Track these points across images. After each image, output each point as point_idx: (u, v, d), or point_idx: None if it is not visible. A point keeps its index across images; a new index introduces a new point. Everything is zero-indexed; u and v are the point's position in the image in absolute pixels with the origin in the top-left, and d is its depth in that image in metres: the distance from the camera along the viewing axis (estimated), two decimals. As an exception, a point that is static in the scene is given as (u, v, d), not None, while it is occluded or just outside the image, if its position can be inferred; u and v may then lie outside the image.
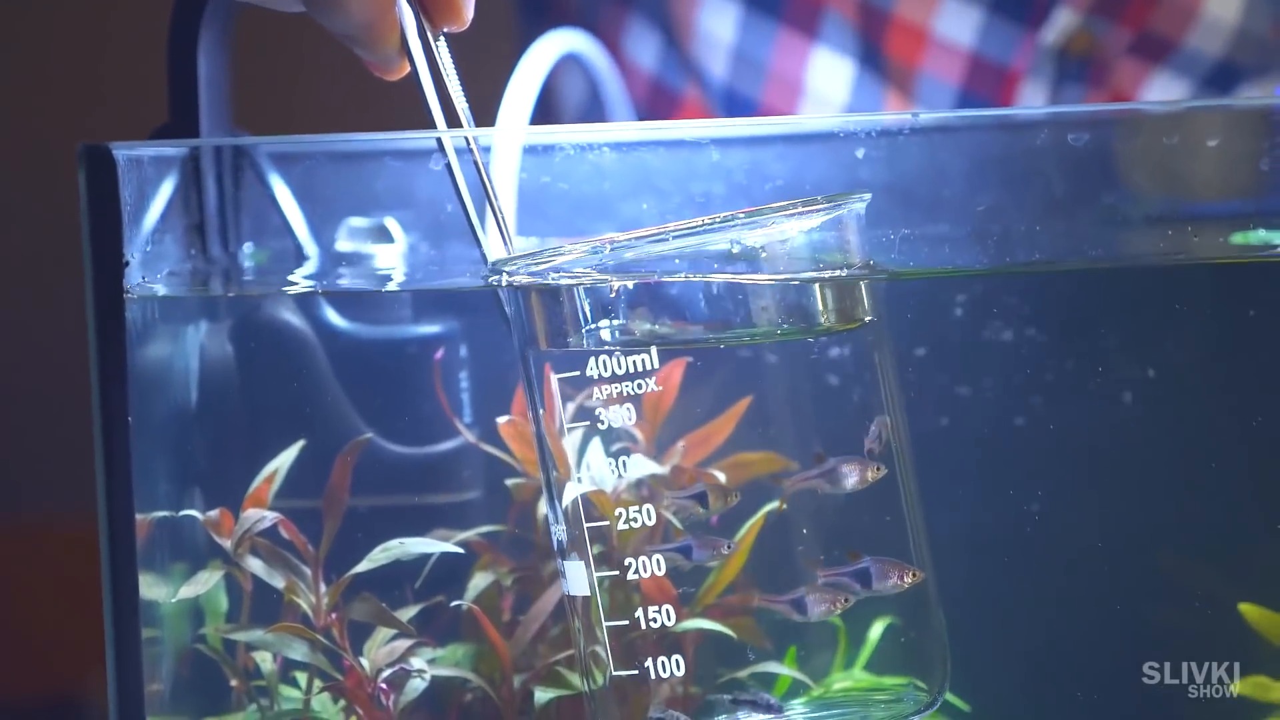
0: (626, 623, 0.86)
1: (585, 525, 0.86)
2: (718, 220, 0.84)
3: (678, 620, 0.87)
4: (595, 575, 0.86)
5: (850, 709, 0.93)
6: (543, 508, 0.97)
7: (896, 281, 1.00)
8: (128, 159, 0.86)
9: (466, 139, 0.88)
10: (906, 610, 0.90)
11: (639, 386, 0.84)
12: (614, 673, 0.86)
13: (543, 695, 0.93)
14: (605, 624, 0.86)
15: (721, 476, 0.93)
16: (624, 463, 0.88)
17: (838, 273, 0.85)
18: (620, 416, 0.86)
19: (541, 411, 0.87)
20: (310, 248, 1.03)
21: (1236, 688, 0.96)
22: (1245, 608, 0.95)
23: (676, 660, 0.87)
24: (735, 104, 1.42)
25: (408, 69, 0.87)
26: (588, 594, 0.86)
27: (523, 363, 0.88)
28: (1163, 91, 1.37)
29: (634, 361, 0.84)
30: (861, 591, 0.86)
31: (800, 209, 0.85)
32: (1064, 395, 1.02)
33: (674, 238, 0.83)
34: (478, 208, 0.89)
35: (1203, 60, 1.36)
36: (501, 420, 0.95)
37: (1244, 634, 0.96)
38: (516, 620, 0.96)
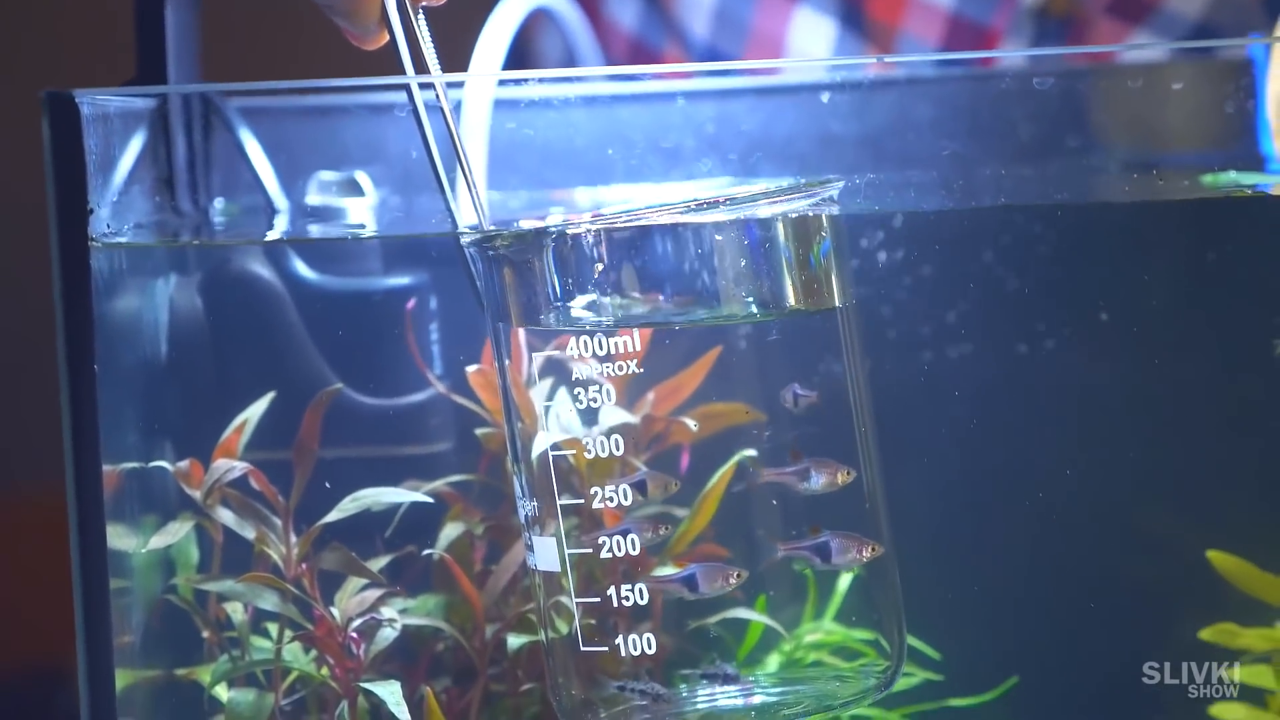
0: (598, 600, 0.86)
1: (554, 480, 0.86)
2: (700, 203, 0.84)
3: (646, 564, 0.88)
4: (565, 548, 0.86)
5: (810, 685, 0.93)
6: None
7: (868, 235, 1.01)
8: (92, 107, 0.86)
9: (435, 89, 0.88)
10: (869, 564, 0.90)
11: (619, 369, 0.85)
12: (580, 621, 0.86)
13: (516, 641, 0.93)
14: (574, 592, 0.86)
15: (692, 425, 0.93)
16: (595, 414, 0.87)
17: (798, 204, 0.85)
18: (589, 371, 0.86)
19: (511, 388, 0.87)
20: (280, 201, 1.03)
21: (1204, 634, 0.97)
22: (1214, 555, 0.96)
23: (643, 612, 0.87)
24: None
25: (386, 39, 0.87)
26: (557, 569, 0.86)
27: (494, 334, 0.88)
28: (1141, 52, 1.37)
29: (614, 344, 0.84)
30: (821, 565, 0.87)
31: (779, 197, 0.85)
32: (1033, 342, 1.02)
33: (656, 216, 0.84)
34: (447, 164, 0.89)
35: (1181, 21, 1.35)
36: (471, 369, 0.95)
37: (1212, 581, 0.96)
38: (488, 570, 0.96)
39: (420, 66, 0.87)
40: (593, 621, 0.86)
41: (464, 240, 0.87)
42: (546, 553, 0.87)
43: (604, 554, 0.86)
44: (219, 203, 1.04)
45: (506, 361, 0.88)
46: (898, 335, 1.02)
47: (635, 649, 0.86)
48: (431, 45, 0.88)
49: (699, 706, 0.89)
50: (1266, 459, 1.00)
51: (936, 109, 1.04)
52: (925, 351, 1.02)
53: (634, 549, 0.86)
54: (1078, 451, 1.01)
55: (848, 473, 0.86)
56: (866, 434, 0.88)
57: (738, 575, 0.86)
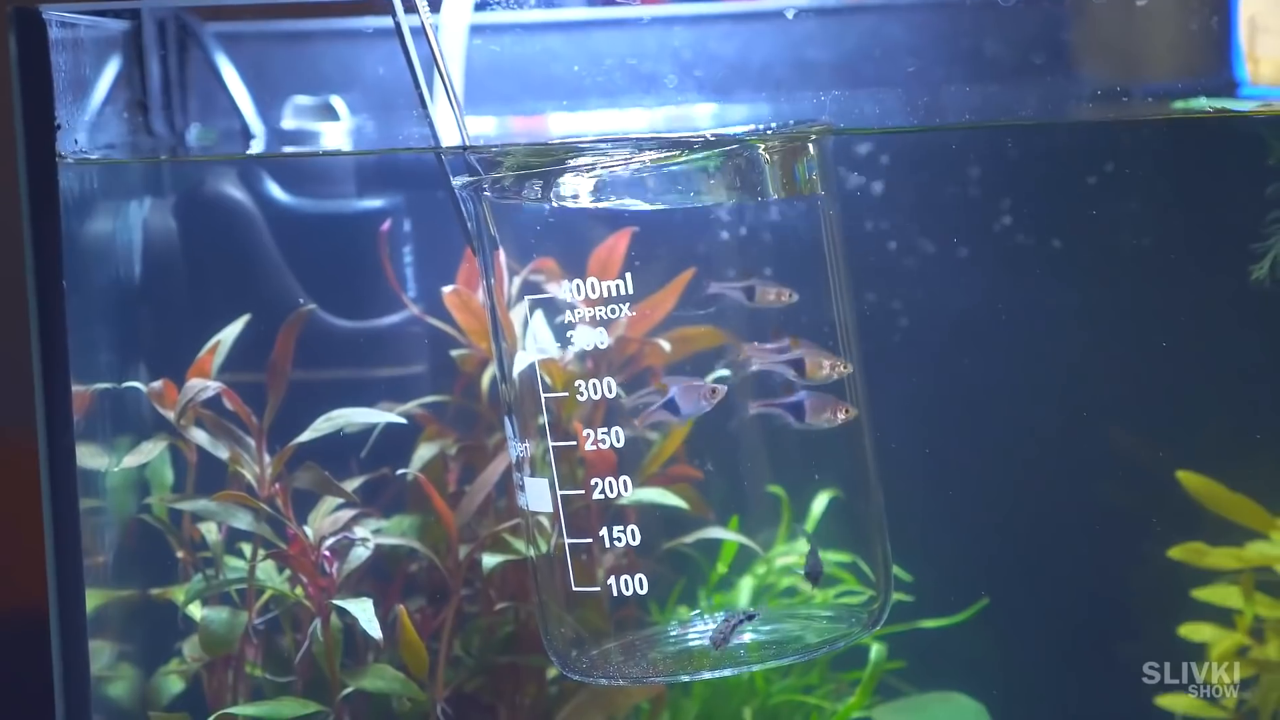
0: (580, 492, 0.86)
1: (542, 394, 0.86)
2: (694, 138, 0.85)
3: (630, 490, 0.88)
4: (558, 489, 0.86)
5: (797, 624, 0.92)
6: (487, 379, 0.98)
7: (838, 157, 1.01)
8: (62, 26, 0.86)
9: (418, 9, 0.87)
10: (848, 484, 0.90)
11: (612, 312, 0.85)
12: (567, 540, 0.86)
13: (490, 560, 0.93)
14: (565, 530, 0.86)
15: (666, 346, 0.93)
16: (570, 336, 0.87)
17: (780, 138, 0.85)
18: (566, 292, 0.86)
19: (497, 309, 0.88)
20: (256, 126, 1.03)
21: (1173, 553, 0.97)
22: (1184, 475, 0.96)
23: (630, 530, 0.87)
24: None
25: None
26: (551, 510, 0.86)
27: (483, 271, 0.88)
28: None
29: (608, 286, 0.84)
30: (796, 423, 0.85)
31: (769, 140, 0.85)
32: (1007, 266, 1.02)
33: (647, 149, 0.84)
34: (429, 87, 0.89)
35: None
36: (446, 290, 0.95)
37: (1182, 501, 0.96)
38: (462, 491, 0.97)
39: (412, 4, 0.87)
40: (583, 557, 0.86)
41: (456, 184, 0.87)
42: (538, 493, 0.87)
43: (595, 496, 0.86)
44: (195, 128, 1.04)
45: (493, 282, 0.88)
46: (872, 257, 1.02)
47: (627, 589, 0.86)
48: None
49: (689, 644, 0.89)
50: (1236, 381, 1.00)
51: (909, 33, 1.03)
52: (898, 276, 1.02)
53: (618, 441, 0.86)
54: (1049, 374, 1.01)
55: (845, 364, 0.84)
56: (848, 331, 0.87)
57: (713, 391, 0.84)
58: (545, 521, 0.87)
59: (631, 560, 0.88)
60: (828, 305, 0.86)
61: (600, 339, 0.88)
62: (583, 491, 0.86)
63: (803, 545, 0.99)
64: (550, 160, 0.84)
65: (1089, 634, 1.01)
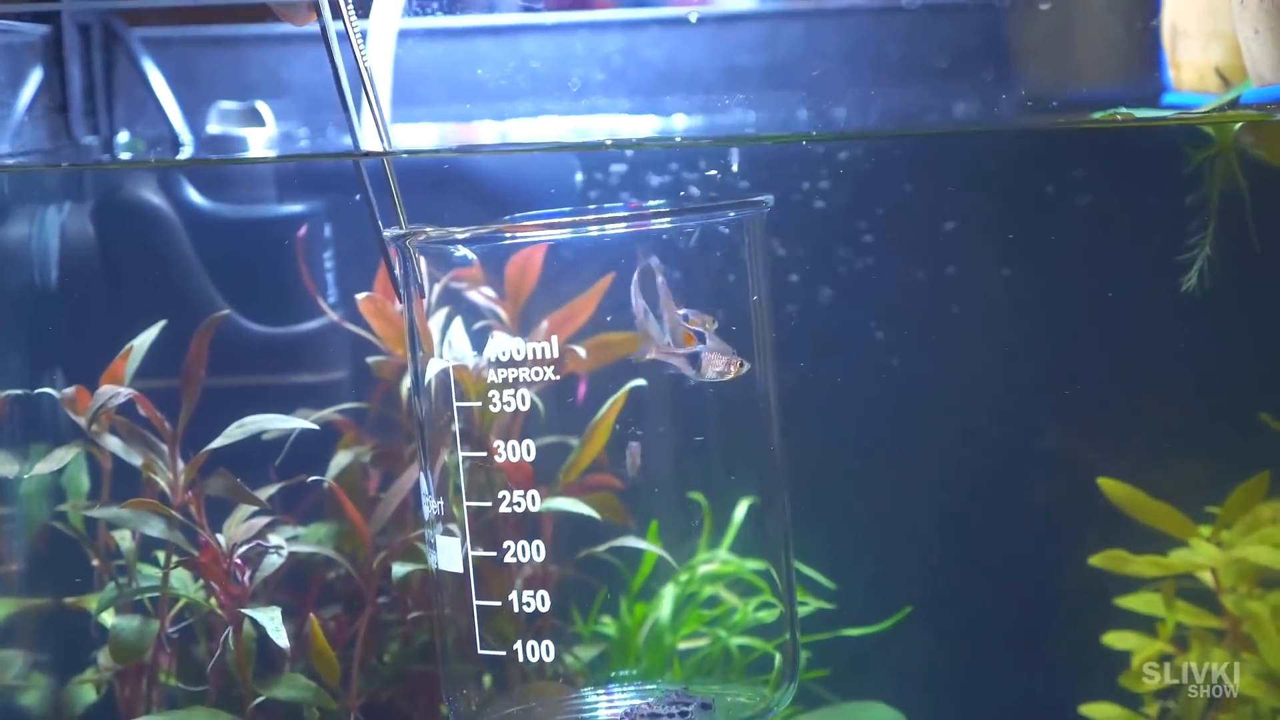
0: (489, 504, 0.86)
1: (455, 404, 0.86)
2: (632, 213, 0.86)
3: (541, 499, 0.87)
4: (470, 549, 0.85)
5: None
6: (405, 385, 0.97)
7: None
8: (-33, 28, 0.86)
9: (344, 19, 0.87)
10: (762, 489, 0.89)
11: (536, 374, 0.84)
12: (472, 552, 0.86)
13: (400, 569, 0.92)
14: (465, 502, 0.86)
15: (582, 353, 0.92)
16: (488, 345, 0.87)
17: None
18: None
19: (420, 353, 0.87)
20: (184, 134, 1.02)
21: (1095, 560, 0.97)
22: (1104, 482, 0.95)
23: (537, 545, 0.87)
24: None
25: (314, 19, 0.86)
26: (460, 570, 0.86)
27: (408, 313, 0.88)
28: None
29: (532, 349, 0.83)
30: (695, 376, 0.83)
31: (708, 213, 0.85)
32: (931, 274, 1.02)
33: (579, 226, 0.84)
34: (354, 93, 0.88)
35: None
36: (360, 296, 0.94)
37: (1104, 508, 0.96)
38: (380, 498, 0.96)
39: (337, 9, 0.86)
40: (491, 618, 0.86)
41: (386, 234, 0.86)
42: (449, 552, 0.86)
43: (503, 508, 0.85)
44: (118, 134, 1.03)
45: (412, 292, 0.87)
46: (795, 263, 1.02)
47: (534, 655, 0.85)
48: (356, 23, 0.87)
49: (599, 715, 0.89)
50: (1158, 389, 1.00)
51: (840, 38, 1.03)
52: (820, 280, 1.02)
53: (534, 505, 0.86)
54: (974, 383, 1.01)
55: (740, 364, 0.83)
56: (765, 356, 0.86)
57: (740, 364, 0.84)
58: (451, 584, 0.86)
59: (545, 573, 0.88)
60: (745, 314, 0.86)
61: (516, 346, 0.87)
62: (493, 504, 0.85)
63: (723, 554, 0.99)
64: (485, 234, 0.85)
65: (1011, 642, 1.01)
